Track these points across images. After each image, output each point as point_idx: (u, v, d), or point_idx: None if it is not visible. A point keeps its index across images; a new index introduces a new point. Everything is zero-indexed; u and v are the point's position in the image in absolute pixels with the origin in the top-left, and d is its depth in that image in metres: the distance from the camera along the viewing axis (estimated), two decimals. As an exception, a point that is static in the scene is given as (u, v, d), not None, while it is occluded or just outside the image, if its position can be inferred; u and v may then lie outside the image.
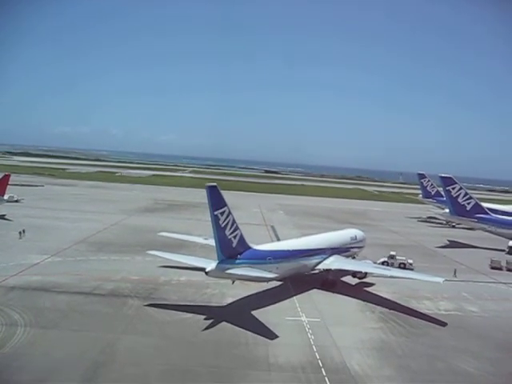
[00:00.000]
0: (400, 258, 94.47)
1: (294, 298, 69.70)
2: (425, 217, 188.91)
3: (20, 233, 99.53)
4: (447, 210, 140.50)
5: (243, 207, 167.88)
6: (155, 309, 61.07)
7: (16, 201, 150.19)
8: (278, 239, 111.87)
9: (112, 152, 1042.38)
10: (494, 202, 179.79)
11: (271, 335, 54.28)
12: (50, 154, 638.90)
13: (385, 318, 63.99)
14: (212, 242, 76.27)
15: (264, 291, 69.93)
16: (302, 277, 76.18)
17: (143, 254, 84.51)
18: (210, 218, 60.87)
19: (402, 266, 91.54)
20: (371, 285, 78.47)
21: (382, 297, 73.12)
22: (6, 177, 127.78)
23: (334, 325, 59.78)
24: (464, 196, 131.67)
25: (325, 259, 77.38)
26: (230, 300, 66.34)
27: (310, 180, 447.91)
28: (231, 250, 62.32)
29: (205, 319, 58.01)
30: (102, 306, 61.22)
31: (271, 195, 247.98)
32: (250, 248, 65.63)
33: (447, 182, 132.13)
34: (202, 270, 61.91)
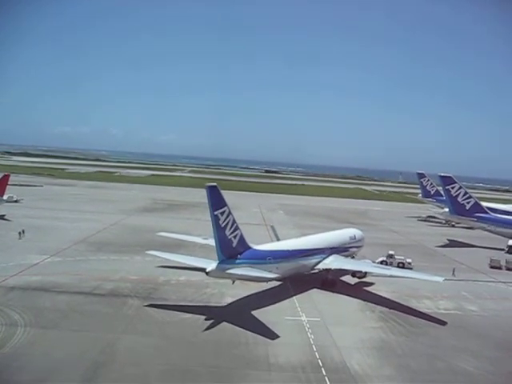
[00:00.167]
0: (399, 258, 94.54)
1: (294, 297, 69.72)
2: (424, 216, 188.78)
3: (19, 233, 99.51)
4: (447, 210, 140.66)
5: (243, 207, 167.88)
6: (155, 309, 61.06)
7: (15, 201, 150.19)
8: (278, 239, 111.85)
9: (112, 152, 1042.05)
10: (493, 201, 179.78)
11: (271, 335, 54.29)
12: (50, 154, 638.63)
13: (385, 317, 64.01)
14: (211, 241, 76.37)
15: (264, 291, 69.94)
16: (301, 276, 76.20)
17: (142, 253, 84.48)
18: (209, 218, 60.91)
19: (401, 266, 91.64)
20: (371, 284, 78.50)
21: (381, 296, 73.14)
22: (6, 177, 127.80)
23: (333, 324, 59.80)
24: (463, 195, 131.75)
25: (324, 259, 77.44)
26: (229, 300, 66.36)
27: (310, 180, 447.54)
28: (231, 250, 62.33)
29: (205, 319, 58.01)
30: (101, 305, 61.23)
31: (271, 195, 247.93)
32: (250, 248, 65.67)
33: (447, 181, 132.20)
34: (202, 270, 61.96)
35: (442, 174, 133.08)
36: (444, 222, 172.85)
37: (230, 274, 60.10)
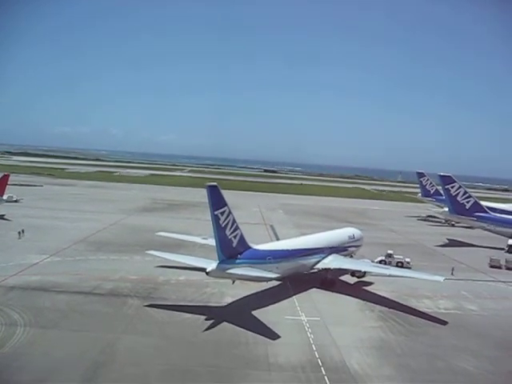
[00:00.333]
0: (397, 257, 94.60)
1: (294, 297, 69.74)
2: (424, 216, 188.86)
3: (19, 233, 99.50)
4: (446, 209, 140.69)
5: (243, 206, 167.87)
6: (155, 309, 61.05)
7: (15, 201, 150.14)
8: (278, 239, 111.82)
9: (111, 152, 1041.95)
10: (493, 201, 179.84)
11: (271, 335, 54.30)
12: (50, 153, 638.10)
13: (384, 316, 64.04)
14: (210, 241, 76.73)
15: (263, 291, 69.97)
16: (301, 276, 76.25)
17: (142, 253, 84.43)
18: (209, 218, 60.93)
19: (400, 265, 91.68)
20: (370, 284, 78.54)
21: (381, 296, 73.17)
22: (5, 177, 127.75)
23: (333, 324, 59.82)
24: (463, 195, 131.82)
25: (323, 258, 77.48)
26: (229, 299, 66.38)
27: (309, 179, 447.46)
28: (231, 249, 62.35)
29: (205, 319, 58.02)
30: (101, 305, 61.24)
31: (271, 194, 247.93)
32: (250, 248, 65.70)
33: (446, 180, 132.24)
34: (202, 270, 61.96)
35: (442, 174, 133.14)
36: (444, 221, 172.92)
37: (231, 273, 60.09)
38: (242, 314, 61.06)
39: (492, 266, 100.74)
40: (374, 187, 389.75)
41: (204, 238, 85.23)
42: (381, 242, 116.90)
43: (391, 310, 66.68)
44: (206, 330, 54.91)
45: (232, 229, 62.07)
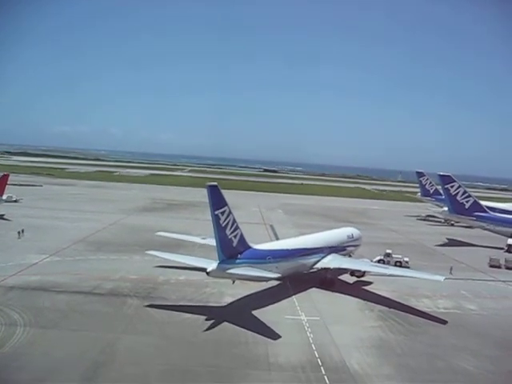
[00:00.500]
0: (396, 256, 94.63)
1: (293, 297, 69.77)
2: (424, 215, 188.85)
3: (19, 233, 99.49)
4: (446, 209, 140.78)
5: (242, 206, 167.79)
6: (155, 308, 61.08)
7: (15, 201, 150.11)
8: (277, 238, 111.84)
9: (111, 151, 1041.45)
10: (492, 200, 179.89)
11: (272, 334, 54.31)
12: (49, 153, 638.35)
13: (384, 316, 64.07)
14: (210, 241, 76.91)
15: (263, 290, 69.98)
16: (300, 276, 76.28)
17: (142, 253, 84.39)
18: (209, 218, 61.00)
19: (398, 264, 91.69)
20: (370, 283, 78.57)
21: (380, 295, 73.19)
22: (5, 177, 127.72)
23: (333, 323, 59.84)
24: (463, 194, 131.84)
25: (323, 258, 77.54)
26: (229, 299, 66.40)
27: (309, 179, 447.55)
28: (232, 249, 62.37)
29: (205, 319, 58.01)
30: (101, 305, 61.25)
31: (270, 194, 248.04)
32: (250, 247, 65.75)
33: (446, 180, 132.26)
34: (202, 270, 61.99)
35: (441, 173, 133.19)
36: (443, 220, 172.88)
37: (231, 273, 60.10)
38: (242, 313, 61.08)
39: (491, 266, 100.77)
40: (374, 187, 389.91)
41: (203, 238, 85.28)
42: (380, 241, 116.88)
43: (391, 309, 66.74)
44: (206, 329, 54.91)
45: (232, 229, 62.10)
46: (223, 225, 60.76)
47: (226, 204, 61.04)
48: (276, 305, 65.56)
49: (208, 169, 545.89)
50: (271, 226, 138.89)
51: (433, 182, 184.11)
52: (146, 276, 75.60)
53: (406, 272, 77.53)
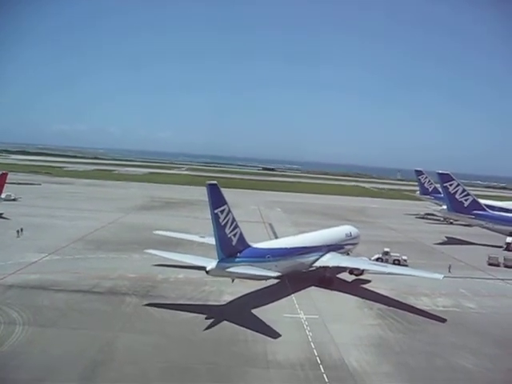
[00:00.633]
0: (394, 255, 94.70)
1: (293, 295, 69.79)
2: (423, 213, 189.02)
3: (18, 231, 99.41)
4: (445, 207, 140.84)
5: (241, 205, 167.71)
6: (154, 307, 61.06)
7: (13, 199, 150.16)
8: (276, 237, 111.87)
9: (109, 150, 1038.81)
10: (491, 199, 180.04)
11: (271, 333, 54.31)
12: (48, 152, 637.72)
13: (383, 314, 64.14)
14: (208, 240, 76.98)
15: (262, 289, 69.98)
16: (299, 274, 76.28)
17: (141, 251, 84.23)
18: (207, 216, 61.03)
19: (397, 263, 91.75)
20: (368, 282, 78.65)
21: (379, 293, 73.28)
22: (4, 175, 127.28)
23: (331, 322, 59.88)
24: (461, 192, 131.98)
25: (322, 256, 77.58)
26: (228, 297, 66.40)
27: (308, 177, 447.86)
28: (231, 248, 62.34)
29: (204, 317, 58.01)
30: (100, 304, 61.22)
31: (269, 192, 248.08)
32: (249, 246, 65.75)
33: (445, 178, 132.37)
34: (202, 268, 61.95)
35: (440, 172, 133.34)
36: (442, 219, 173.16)
37: (231, 272, 60.11)
38: (241, 312, 61.09)
39: (490, 264, 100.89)
40: (373, 185, 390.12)
41: (201, 237, 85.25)
42: (379, 239, 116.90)
43: (390, 307, 66.80)
44: (205, 327, 54.91)
45: (232, 227, 62.06)
46: (223, 223, 60.70)
47: (225, 203, 60.99)
48: (275, 303, 65.57)
49: (206, 167, 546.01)
50: (270, 225, 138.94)
51: (432, 181, 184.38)
52: (144, 274, 75.57)
53: (405, 270, 77.64)
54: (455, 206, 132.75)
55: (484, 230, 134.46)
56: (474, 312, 68.26)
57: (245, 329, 55.22)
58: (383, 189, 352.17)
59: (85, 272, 74.96)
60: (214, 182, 60.93)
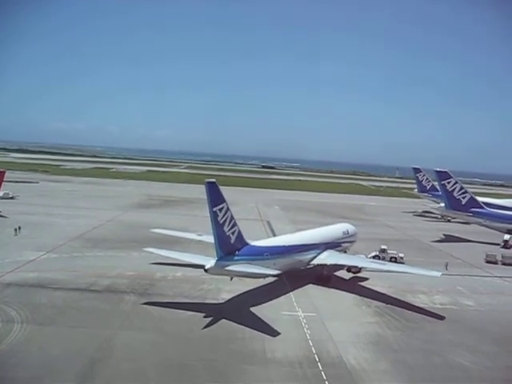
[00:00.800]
0: (391, 252, 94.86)
1: (291, 293, 69.87)
2: (420, 211, 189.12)
3: (16, 230, 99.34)
4: (443, 205, 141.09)
5: (239, 202, 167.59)
6: (152, 305, 61.09)
7: (11, 198, 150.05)
8: (274, 235, 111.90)
9: (108, 148, 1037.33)
10: (489, 196, 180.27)
11: (269, 330, 54.37)
12: (46, 150, 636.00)
13: (380, 312, 64.26)
14: (205, 238, 77.03)
15: (260, 287, 70.06)
16: (297, 272, 76.33)
17: (139, 250, 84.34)
18: (206, 214, 60.88)
19: (393, 260, 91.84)
20: (366, 279, 78.77)
21: (377, 291, 73.38)
22: (1, 174, 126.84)
23: (329, 319, 59.99)
24: (459, 190, 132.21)
25: (319, 254, 77.65)
26: (226, 295, 66.43)
27: (306, 175, 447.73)
28: (230, 246, 62.31)
29: (202, 315, 58.08)
30: (98, 302, 61.22)
31: (267, 190, 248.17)
32: (247, 244, 65.77)
33: (442, 176, 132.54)
34: (200, 267, 61.90)
35: (438, 169, 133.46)
36: (440, 216, 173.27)
37: (229, 270, 60.13)
38: (239, 310, 61.19)
39: (488, 262, 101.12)
40: (371, 183, 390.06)
41: (199, 235, 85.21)
42: (377, 237, 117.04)
43: (388, 305, 66.92)
44: (203, 325, 54.96)
45: (230, 225, 62.01)
46: (221, 221, 60.64)
47: (224, 201, 60.92)
48: (273, 301, 65.64)
49: (205, 165, 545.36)
50: (268, 223, 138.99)
51: (429, 178, 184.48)
52: (143, 272, 75.56)
53: (403, 268, 77.74)
54: (453, 204, 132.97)
55: (482, 227, 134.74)
56: (472, 309, 68.41)
57: (243, 327, 55.24)
58: (381, 186, 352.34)
59: (83, 270, 74.92)
60: (213, 180, 60.82)
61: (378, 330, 57.55)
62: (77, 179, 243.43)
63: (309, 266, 77.47)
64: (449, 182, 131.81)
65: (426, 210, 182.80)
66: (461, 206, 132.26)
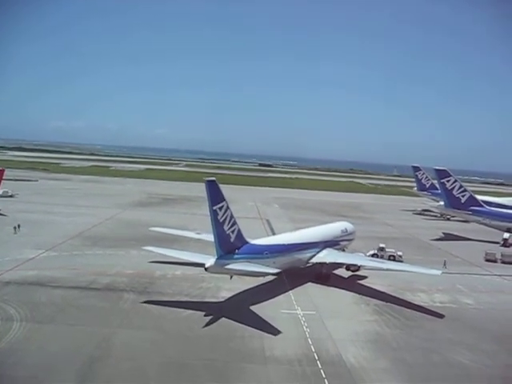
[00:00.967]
0: (389, 250, 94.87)
1: (290, 291, 69.84)
2: (419, 209, 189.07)
3: (15, 228, 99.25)
4: (442, 203, 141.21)
5: (238, 201, 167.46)
6: (151, 303, 61.05)
7: (10, 196, 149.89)
8: (274, 233, 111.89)
9: (106, 146, 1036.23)
10: (489, 195, 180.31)
11: (268, 329, 54.37)
12: (45, 148, 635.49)
13: (380, 310, 64.27)
14: (204, 236, 77.07)
15: (260, 285, 70.05)
16: (297, 270, 76.32)
17: (138, 248, 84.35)
18: (206, 212, 60.92)
19: (392, 258, 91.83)
20: (365, 277, 78.78)
21: (376, 289, 73.38)
22: (1, 172, 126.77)
23: (329, 318, 59.99)
24: (459, 189, 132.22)
25: (318, 252, 77.67)
26: (225, 293, 66.38)
27: (305, 173, 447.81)
28: (229, 244, 62.27)
29: (201, 313, 58.05)
30: (97, 300, 61.18)
31: (266, 189, 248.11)
32: (247, 243, 65.77)
33: (442, 174, 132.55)
34: (199, 265, 61.88)
35: (437, 168, 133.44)
36: (439, 215, 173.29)
37: (229, 269, 60.06)
38: (239, 308, 61.12)
39: (487, 260, 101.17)
40: (369, 181, 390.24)
41: (198, 233, 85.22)
42: (376, 235, 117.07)
43: (387, 303, 66.95)
44: (203, 324, 54.92)
45: (230, 224, 61.98)
46: (221, 220, 60.58)
47: (224, 199, 60.86)
48: (273, 299, 65.60)
49: (204, 163, 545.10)
50: (267, 221, 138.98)
51: (429, 177, 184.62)
52: (142, 271, 75.53)
53: (403, 266, 77.73)
54: (452, 202, 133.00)
55: (481, 226, 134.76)
56: (471, 308, 68.45)
57: (242, 325, 55.24)
58: (379, 185, 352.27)
59: (82, 268, 74.88)
60: (213, 178, 60.73)
61: (377, 329, 57.56)
62: (76, 177, 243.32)
63: (308, 265, 77.49)
64: (448, 181, 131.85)
65: (426, 208, 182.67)
66: (460, 204, 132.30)
